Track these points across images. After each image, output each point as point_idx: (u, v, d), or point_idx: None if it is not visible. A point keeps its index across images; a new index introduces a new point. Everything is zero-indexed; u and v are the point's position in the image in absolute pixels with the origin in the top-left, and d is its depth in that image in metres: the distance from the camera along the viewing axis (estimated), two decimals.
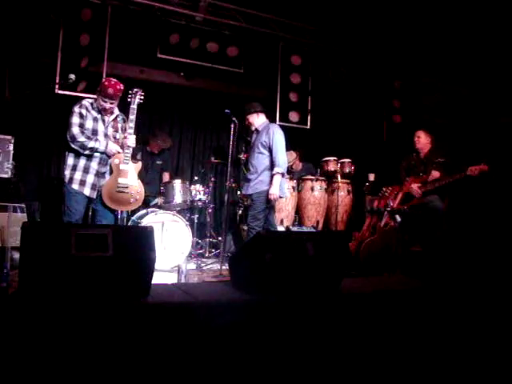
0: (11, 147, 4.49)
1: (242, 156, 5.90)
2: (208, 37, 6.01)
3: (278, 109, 6.42)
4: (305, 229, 5.78)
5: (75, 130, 3.81)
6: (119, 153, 3.94)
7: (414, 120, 7.23)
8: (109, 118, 4.00)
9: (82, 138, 3.80)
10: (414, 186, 4.96)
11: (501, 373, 2.58)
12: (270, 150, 4.57)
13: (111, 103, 3.88)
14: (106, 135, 3.95)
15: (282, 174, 4.56)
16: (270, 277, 2.92)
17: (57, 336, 2.07)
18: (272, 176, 4.50)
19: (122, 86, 3.93)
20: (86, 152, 3.83)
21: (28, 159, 5.60)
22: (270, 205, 4.55)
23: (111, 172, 3.95)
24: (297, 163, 6.49)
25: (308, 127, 6.64)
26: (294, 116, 6.55)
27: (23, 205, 4.19)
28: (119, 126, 4.05)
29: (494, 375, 2.58)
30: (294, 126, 6.58)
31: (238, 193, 5.92)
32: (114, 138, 4.00)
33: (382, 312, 3.01)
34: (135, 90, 4.04)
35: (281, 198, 4.80)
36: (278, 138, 4.57)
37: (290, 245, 3.07)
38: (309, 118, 6.65)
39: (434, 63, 6.96)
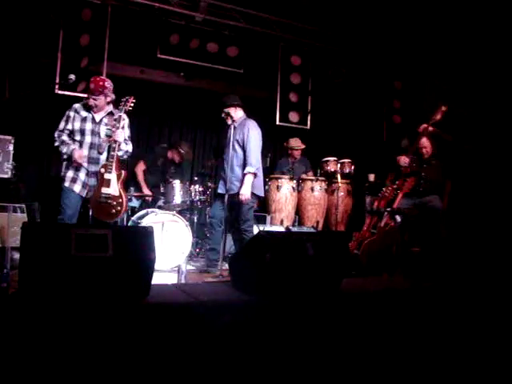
0: (11, 147, 4.49)
1: None
2: (208, 37, 6.02)
3: (278, 109, 6.42)
4: (305, 229, 5.78)
5: (56, 134, 3.97)
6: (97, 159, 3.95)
7: (414, 120, 7.24)
8: (101, 116, 3.98)
9: (56, 143, 3.95)
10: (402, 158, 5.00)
11: (501, 372, 2.58)
12: (244, 148, 4.45)
13: (93, 99, 3.90)
14: (93, 133, 3.93)
15: (255, 174, 4.40)
16: (270, 277, 2.92)
17: (57, 336, 2.07)
18: (243, 175, 4.40)
19: (104, 83, 3.94)
20: (64, 156, 3.94)
21: (28, 159, 5.60)
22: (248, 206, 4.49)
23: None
24: (297, 153, 6.48)
25: (308, 127, 6.65)
26: (294, 116, 6.56)
27: (23, 205, 4.20)
28: (114, 124, 4.03)
29: (494, 375, 2.58)
30: (294, 126, 6.59)
31: None
32: (107, 136, 3.95)
33: (382, 312, 3.01)
34: (127, 97, 4.05)
35: (260, 197, 4.76)
36: (253, 135, 4.44)
37: (290, 245, 3.07)
38: (309, 118, 6.66)
39: (435, 63, 6.97)
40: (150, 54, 5.78)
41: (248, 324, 2.51)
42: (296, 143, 6.39)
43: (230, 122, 4.51)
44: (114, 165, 3.87)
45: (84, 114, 3.94)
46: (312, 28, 6.44)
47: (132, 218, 4.97)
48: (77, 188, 3.90)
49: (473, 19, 5.87)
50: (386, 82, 7.09)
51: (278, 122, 6.48)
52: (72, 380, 2.01)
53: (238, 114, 4.57)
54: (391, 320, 2.98)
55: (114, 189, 3.88)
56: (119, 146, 3.93)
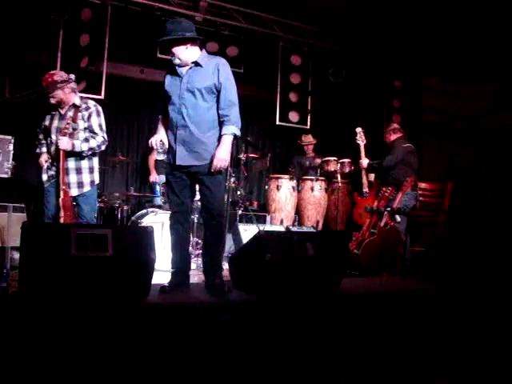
0: (11, 147, 4.48)
1: (242, 156, 5.90)
2: (208, 37, 6.01)
3: (277, 109, 6.43)
4: (305, 229, 5.77)
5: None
6: (46, 162, 3.77)
7: (414, 120, 7.25)
8: (65, 110, 3.75)
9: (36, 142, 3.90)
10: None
11: (502, 372, 2.58)
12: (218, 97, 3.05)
13: (51, 97, 3.68)
14: (58, 130, 3.70)
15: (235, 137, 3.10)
16: (270, 277, 2.92)
17: (57, 336, 2.07)
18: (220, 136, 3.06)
19: (53, 76, 3.68)
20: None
21: (28, 159, 5.59)
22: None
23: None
24: (309, 148, 6.51)
25: (308, 127, 6.66)
26: (294, 116, 6.56)
27: (23, 205, 4.19)
28: (79, 115, 3.73)
29: (495, 375, 2.58)
30: (294, 125, 6.60)
31: (238, 192, 5.91)
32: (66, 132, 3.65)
33: (382, 312, 3.01)
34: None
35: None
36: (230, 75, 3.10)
37: (290, 245, 3.07)
38: (309, 118, 6.66)
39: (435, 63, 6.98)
40: (149, 53, 5.78)
41: (248, 324, 2.51)
42: (306, 139, 6.49)
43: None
44: (60, 177, 3.58)
45: (53, 112, 3.81)
46: (312, 28, 6.44)
47: (132, 218, 4.96)
48: (44, 177, 3.78)
49: (473, 18, 5.87)
50: (385, 82, 7.09)
51: (277, 122, 6.49)
52: (72, 379, 2.01)
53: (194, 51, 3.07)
54: (391, 320, 2.98)
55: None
56: (72, 146, 3.59)
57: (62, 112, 3.75)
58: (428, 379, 2.55)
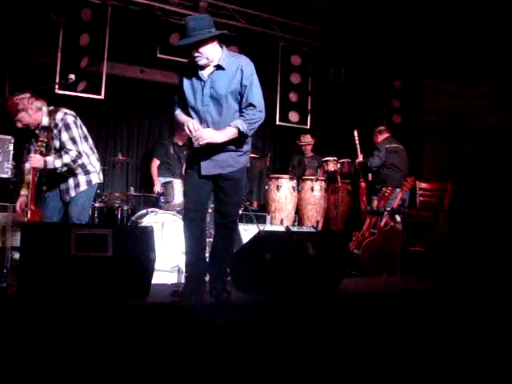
0: (11, 147, 4.49)
1: None
2: None
3: (277, 109, 6.42)
4: (305, 229, 5.77)
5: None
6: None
7: (414, 120, 7.25)
8: (38, 132, 3.53)
9: None
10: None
11: (502, 372, 2.58)
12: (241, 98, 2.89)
13: (17, 121, 3.45)
14: (31, 151, 3.55)
15: (246, 136, 2.83)
16: (270, 277, 2.92)
17: (56, 336, 2.07)
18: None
19: (14, 104, 3.40)
20: None
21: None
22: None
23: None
24: (307, 148, 6.51)
25: (308, 127, 6.65)
26: (294, 116, 6.56)
27: None
28: (52, 134, 3.52)
29: (495, 375, 2.58)
30: (294, 125, 6.60)
31: None
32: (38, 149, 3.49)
33: (382, 312, 3.01)
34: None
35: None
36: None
37: (290, 245, 3.07)
38: (309, 118, 6.66)
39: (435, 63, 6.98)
40: (150, 53, 5.78)
41: (248, 324, 2.51)
42: (305, 139, 6.49)
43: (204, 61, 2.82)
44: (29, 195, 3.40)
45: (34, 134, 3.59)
46: (312, 28, 6.43)
47: (132, 218, 4.96)
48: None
49: (474, 18, 5.87)
50: (385, 82, 7.09)
51: (277, 122, 6.49)
52: (71, 379, 2.01)
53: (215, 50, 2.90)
54: (391, 320, 2.98)
55: None
56: (44, 163, 3.37)
57: (37, 132, 3.52)
58: (428, 379, 2.55)
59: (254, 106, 2.80)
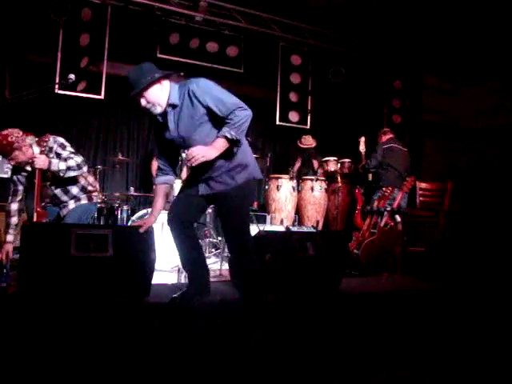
0: None
1: None
2: (208, 37, 6.02)
3: (277, 109, 6.43)
4: (305, 229, 5.77)
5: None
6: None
7: (414, 120, 7.25)
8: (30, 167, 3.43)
9: None
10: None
11: (503, 372, 2.58)
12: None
13: (11, 160, 3.34)
14: (18, 191, 3.48)
15: (238, 142, 2.61)
16: (270, 277, 2.92)
17: (56, 336, 2.07)
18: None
19: (5, 139, 3.28)
20: None
21: None
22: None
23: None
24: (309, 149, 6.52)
25: (308, 127, 6.66)
26: (294, 116, 6.57)
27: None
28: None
29: (495, 375, 2.58)
30: (294, 125, 6.60)
31: None
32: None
33: (382, 312, 3.01)
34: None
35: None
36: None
37: (290, 245, 3.07)
38: (309, 118, 6.67)
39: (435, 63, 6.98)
40: (150, 53, 5.78)
41: (248, 324, 2.50)
42: (306, 141, 6.46)
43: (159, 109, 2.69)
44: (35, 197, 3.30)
45: (23, 174, 3.49)
46: (312, 28, 6.44)
47: (132, 218, 4.96)
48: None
49: (474, 18, 5.87)
50: (385, 82, 7.10)
51: (277, 122, 6.49)
52: (71, 379, 2.01)
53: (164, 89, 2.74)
54: (391, 320, 2.98)
55: None
56: (49, 164, 3.28)
57: (29, 168, 3.41)
58: (428, 379, 2.55)
59: (232, 110, 2.56)
